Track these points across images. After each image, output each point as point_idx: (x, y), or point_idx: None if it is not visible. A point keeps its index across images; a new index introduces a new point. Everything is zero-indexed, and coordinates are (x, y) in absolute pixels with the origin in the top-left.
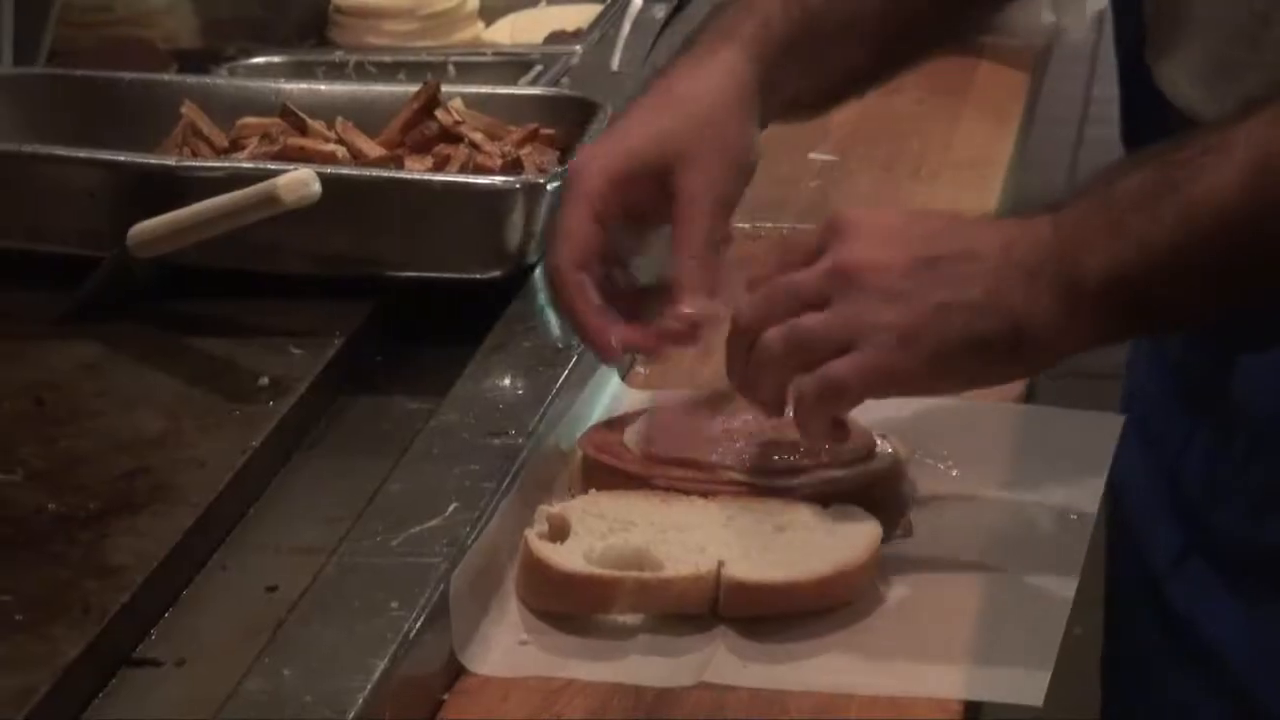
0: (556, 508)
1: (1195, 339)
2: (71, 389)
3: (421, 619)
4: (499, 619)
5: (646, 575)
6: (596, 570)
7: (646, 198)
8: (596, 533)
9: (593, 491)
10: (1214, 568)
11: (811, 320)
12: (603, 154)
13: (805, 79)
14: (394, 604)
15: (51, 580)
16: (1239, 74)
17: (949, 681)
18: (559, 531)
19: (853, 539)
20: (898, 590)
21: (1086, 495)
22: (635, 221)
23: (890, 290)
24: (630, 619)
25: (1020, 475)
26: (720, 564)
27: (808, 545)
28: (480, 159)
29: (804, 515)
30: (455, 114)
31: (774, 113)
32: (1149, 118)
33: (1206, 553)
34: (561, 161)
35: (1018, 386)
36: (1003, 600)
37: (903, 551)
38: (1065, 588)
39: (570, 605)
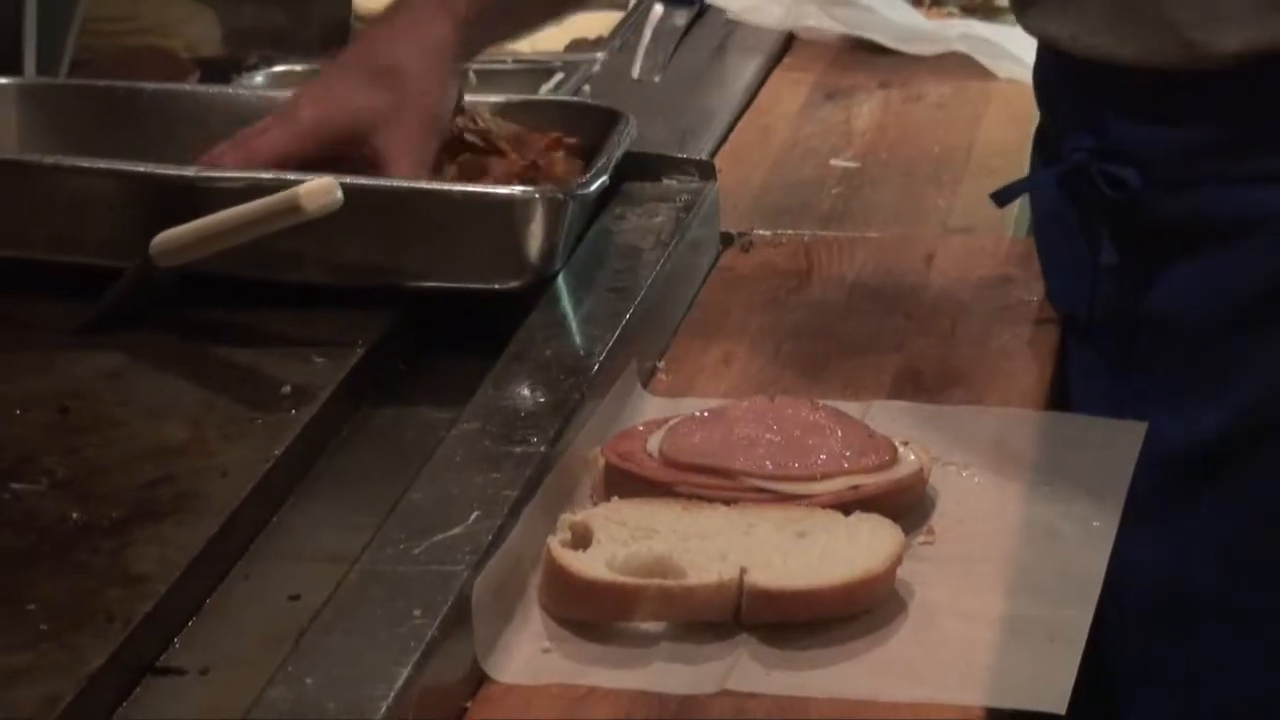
0: (579, 515)
1: None
2: (95, 398)
3: (444, 627)
4: (521, 626)
5: (669, 583)
6: (619, 578)
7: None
8: (619, 540)
9: (615, 499)
10: None
11: None
12: (310, 116)
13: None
14: (416, 612)
15: (75, 589)
16: (1142, 11)
17: (971, 688)
18: (582, 539)
19: (875, 546)
20: (920, 597)
21: (1108, 502)
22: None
23: None
24: (652, 626)
25: (1042, 482)
26: (742, 571)
27: (830, 552)
28: (506, 168)
29: (826, 522)
30: (481, 120)
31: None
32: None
33: None
34: (586, 170)
35: (1041, 394)
36: (1025, 607)
37: (925, 558)
38: (1087, 594)
39: (593, 613)
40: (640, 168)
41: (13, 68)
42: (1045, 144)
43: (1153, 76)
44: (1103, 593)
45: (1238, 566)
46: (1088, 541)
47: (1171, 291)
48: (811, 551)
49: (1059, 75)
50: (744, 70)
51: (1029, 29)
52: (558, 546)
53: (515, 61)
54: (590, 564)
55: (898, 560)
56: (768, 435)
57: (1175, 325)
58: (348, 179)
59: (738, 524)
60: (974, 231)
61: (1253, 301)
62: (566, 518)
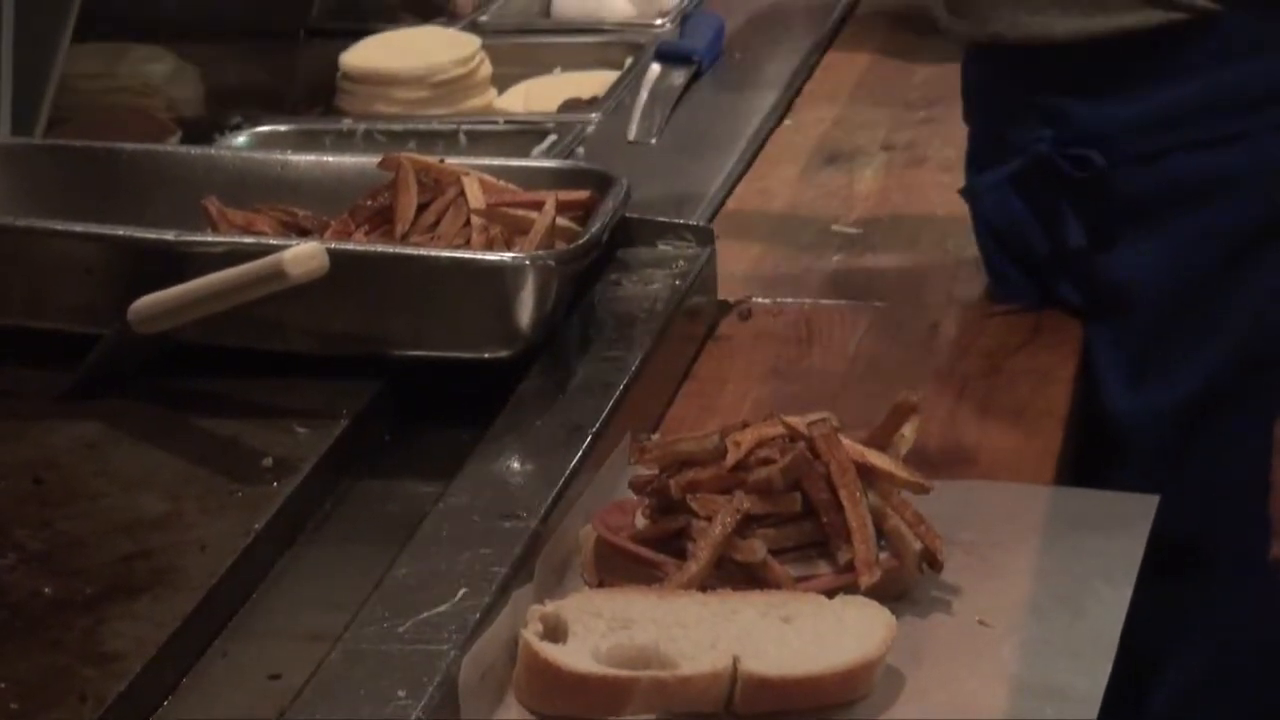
0: (550, 606)
1: None
2: (70, 469)
3: (429, 709)
4: (510, 708)
5: (663, 674)
6: (611, 671)
7: None
8: (597, 631)
9: (585, 589)
10: None
11: None
12: None
13: None
14: (401, 693)
15: (48, 667)
16: None
17: None
18: (553, 631)
19: (865, 630)
20: (921, 675)
21: (1120, 575)
22: None
23: None
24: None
25: (1052, 554)
26: (736, 660)
27: (821, 637)
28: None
29: (810, 607)
30: (475, 199)
31: None
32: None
33: None
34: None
35: (1050, 467)
36: (1035, 683)
37: (925, 635)
38: (1100, 665)
39: (581, 708)
40: (635, 233)
41: None
42: (982, 155)
43: (1103, 51)
44: None
45: (1226, 516)
46: (1100, 614)
47: (1141, 262)
48: (802, 637)
49: (1000, 77)
50: (743, 132)
51: (962, 36)
52: (537, 641)
53: (507, 122)
54: (575, 657)
55: (889, 644)
56: None
57: (1147, 293)
58: (333, 244)
59: (719, 611)
60: (980, 300)
61: (1221, 260)
62: (536, 609)
